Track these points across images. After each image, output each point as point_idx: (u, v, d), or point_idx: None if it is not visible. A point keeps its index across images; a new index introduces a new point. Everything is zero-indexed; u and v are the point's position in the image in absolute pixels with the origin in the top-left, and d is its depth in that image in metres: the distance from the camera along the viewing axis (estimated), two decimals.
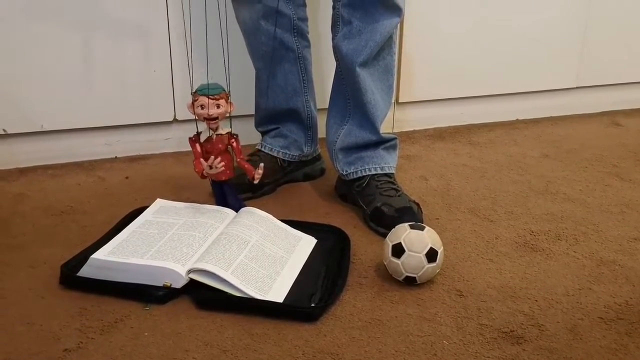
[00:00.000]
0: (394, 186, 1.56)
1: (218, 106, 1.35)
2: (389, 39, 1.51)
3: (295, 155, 1.73)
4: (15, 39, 1.71)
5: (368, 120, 1.56)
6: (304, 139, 1.74)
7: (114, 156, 1.91)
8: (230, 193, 1.47)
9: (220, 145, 1.40)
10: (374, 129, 1.56)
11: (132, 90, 1.85)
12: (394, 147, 1.63)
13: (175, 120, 1.92)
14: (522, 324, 1.17)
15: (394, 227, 1.33)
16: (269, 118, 1.73)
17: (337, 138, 1.60)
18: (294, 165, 1.75)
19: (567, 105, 2.36)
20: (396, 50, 1.57)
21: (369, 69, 1.51)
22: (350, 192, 1.61)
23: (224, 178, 1.43)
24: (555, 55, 2.25)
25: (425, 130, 2.20)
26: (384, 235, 1.33)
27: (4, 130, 1.77)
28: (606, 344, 1.12)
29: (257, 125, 1.77)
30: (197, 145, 1.40)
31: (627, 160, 1.95)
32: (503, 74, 2.22)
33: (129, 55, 1.82)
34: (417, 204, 1.52)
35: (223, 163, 1.39)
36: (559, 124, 2.29)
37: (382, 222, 1.48)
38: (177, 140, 1.94)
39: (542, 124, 2.28)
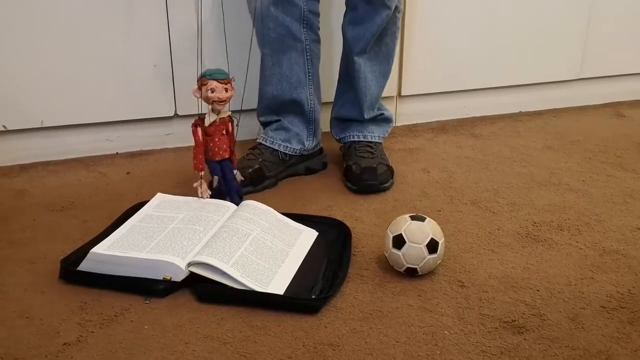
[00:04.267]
0: (371, 150, 1.72)
1: (226, 90, 1.42)
2: (393, 25, 1.66)
3: (297, 149, 1.73)
4: (15, 35, 1.71)
5: (356, 103, 1.73)
6: (306, 133, 1.74)
7: (115, 152, 1.90)
8: (229, 170, 1.50)
9: (222, 127, 1.47)
10: (360, 111, 1.74)
11: (132, 85, 1.85)
12: (385, 120, 1.81)
13: (176, 116, 1.92)
14: (524, 313, 1.16)
15: (361, 184, 1.63)
16: (271, 108, 1.73)
17: (335, 107, 1.80)
18: (295, 159, 1.74)
19: (570, 96, 2.35)
20: (399, 36, 1.73)
21: (368, 54, 1.67)
22: (341, 153, 1.82)
23: (226, 156, 1.48)
24: (558, 46, 2.24)
25: (428, 123, 2.19)
26: (353, 192, 1.64)
27: (4, 127, 1.77)
28: (608, 332, 1.11)
29: (259, 115, 1.78)
30: (199, 132, 1.44)
31: (631, 151, 1.93)
32: (506, 66, 2.21)
33: (129, 50, 1.81)
34: (390, 168, 1.70)
35: (209, 192, 1.49)
36: (562, 115, 2.27)
37: (349, 178, 1.67)
38: (178, 135, 1.94)
39: (545, 116, 2.26)
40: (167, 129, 1.94)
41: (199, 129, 1.44)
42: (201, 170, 1.46)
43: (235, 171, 1.51)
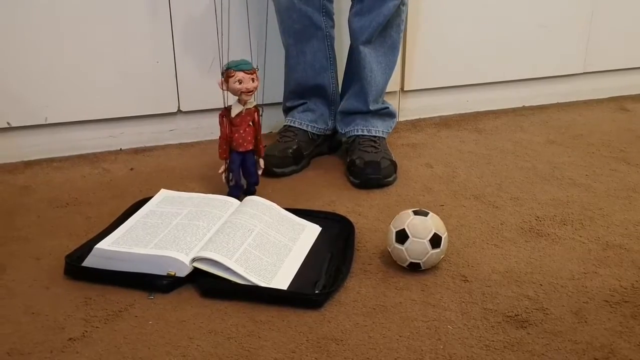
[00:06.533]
0: (375, 144, 1.73)
1: (253, 80, 1.46)
2: (397, 17, 1.69)
3: (322, 129, 1.83)
4: (17, 32, 1.72)
5: (362, 94, 1.75)
6: (328, 114, 1.85)
7: (119, 148, 1.91)
8: (250, 162, 1.54)
9: (248, 117, 1.50)
10: (365, 102, 1.75)
11: (135, 81, 1.85)
12: (389, 115, 1.82)
13: (179, 112, 1.92)
14: (527, 308, 1.16)
15: (364, 178, 1.63)
16: (297, 93, 1.83)
17: (341, 101, 1.82)
18: (321, 139, 1.84)
19: (574, 91, 2.34)
20: (403, 28, 1.74)
21: (373, 45, 1.70)
22: (345, 147, 1.84)
23: (250, 148, 1.52)
24: (561, 40, 2.23)
25: (431, 118, 2.19)
26: (356, 186, 1.64)
27: (8, 124, 1.78)
28: (611, 326, 1.11)
29: (285, 100, 1.86)
30: (225, 123, 1.49)
31: (634, 145, 1.93)
32: (509, 61, 2.20)
33: (132, 47, 1.81)
34: (393, 163, 1.70)
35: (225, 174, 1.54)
36: (565, 110, 2.27)
37: (352, 172, 1.68)
38: (181, 131, 1.94)
39: (549, 110, 2.26)
40: (171, 125, 1.94)
41: (225, 120, 1.48)
42: (226, 159, 1.52)
43: (260, 160, 1.57)
